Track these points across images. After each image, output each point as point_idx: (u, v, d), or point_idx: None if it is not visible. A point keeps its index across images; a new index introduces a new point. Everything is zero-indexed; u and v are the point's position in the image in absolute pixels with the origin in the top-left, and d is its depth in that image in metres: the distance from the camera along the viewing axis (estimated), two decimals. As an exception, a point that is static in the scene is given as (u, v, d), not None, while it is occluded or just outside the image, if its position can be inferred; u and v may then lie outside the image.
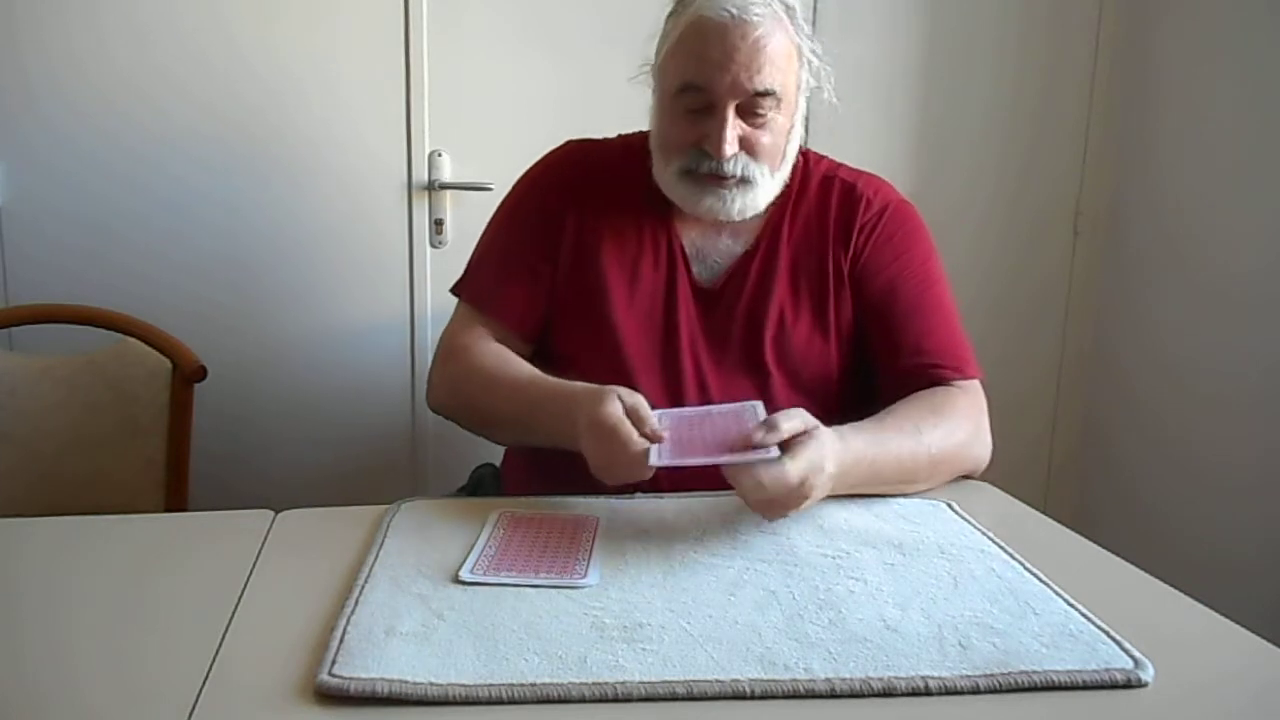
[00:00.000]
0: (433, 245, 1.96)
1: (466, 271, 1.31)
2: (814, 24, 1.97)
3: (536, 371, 1.16)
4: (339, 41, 1.87)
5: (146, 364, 1.53)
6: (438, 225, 1.95)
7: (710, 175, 1.15)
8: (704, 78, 1.12)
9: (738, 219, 1.19)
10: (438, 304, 1.96)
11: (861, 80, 2.03)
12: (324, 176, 1.90)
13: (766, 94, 1.12)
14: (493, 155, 1.92)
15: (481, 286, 1.27)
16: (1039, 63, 2.09)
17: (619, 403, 0.99)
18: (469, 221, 1.91)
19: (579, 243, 1.23)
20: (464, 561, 0.89)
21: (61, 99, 1.80)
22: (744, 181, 1.16)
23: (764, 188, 1.17)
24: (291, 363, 1.95)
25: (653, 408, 1.11)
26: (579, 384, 1.07)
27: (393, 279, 1.96)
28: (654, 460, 0.94)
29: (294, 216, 1.91)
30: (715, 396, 1.18)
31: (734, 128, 1.13)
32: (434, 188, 1.94)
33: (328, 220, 1.92)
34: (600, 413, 0.98)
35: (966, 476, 1.16)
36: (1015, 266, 2.16)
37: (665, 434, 0.97)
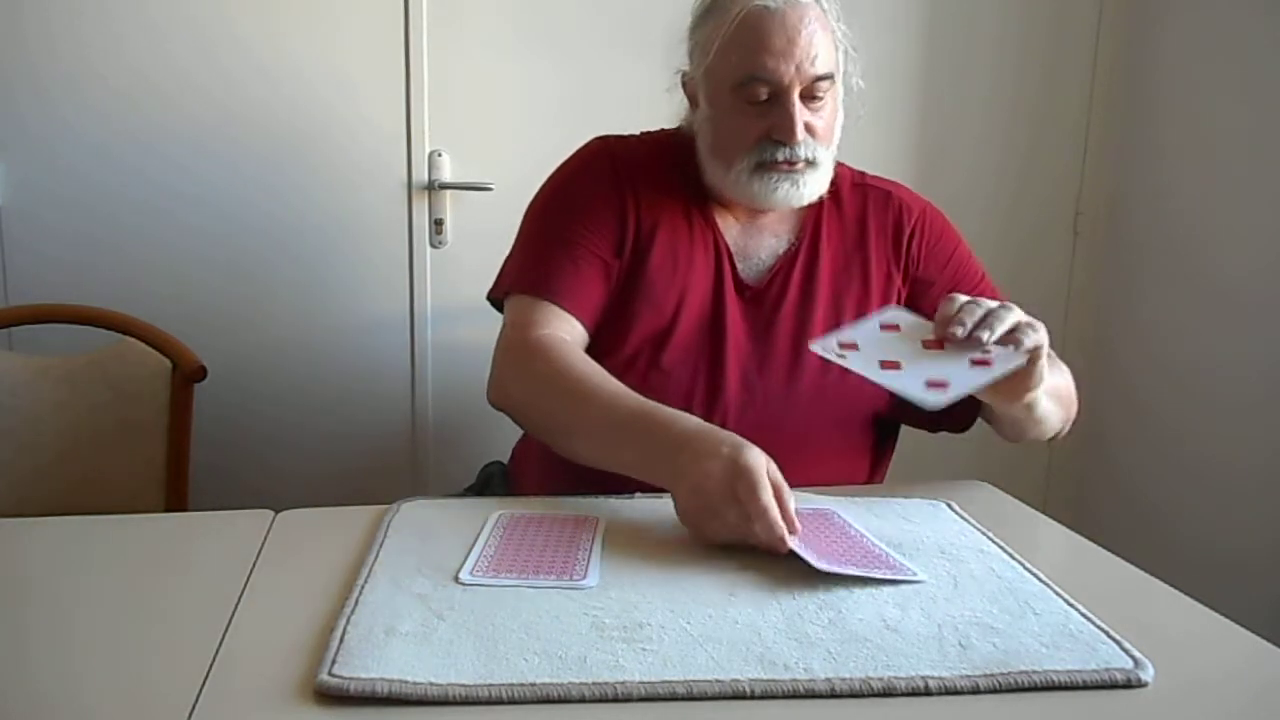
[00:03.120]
0: (433, 245, 1.96)
1: (517, 269, 1.22)
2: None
3: (632, 392, 1.05)
4: (339, 41, 1.87)
5: (146, 364, 1.53)
6: (438, 225, 1.95)
7: (785, 162, 1.15)
8: (769, 69, 1.12)
9: (807, 203, 1.20)
10: (438, 304, 1.96)
11: (862, 79, 2.02)
12: (324, 176, 1.90)
13: (825, 77, 1.15)
14: (493, 155, 1.92)
15: (549, 277, 1.17)
16: (1039, 63, 2.09)
17: (769, 462, 0.91)
18: (469, 221, 1.92)
19: (638, 236, 1.20)
20: (464, 563, 0.89)
21: (61, 100, 1.80)
22: (811, 164, 1.17)
23: (826, 168, 1.19)
24: (291, 363, 1.95)
25: (694, 402, 1.14)
26: (692, 419, 0.98)
27: (393, 279, 1.96)
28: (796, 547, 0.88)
29: (294, 216, 1.91)
30: (758, 396, 1.19)
31: (801, 113, 1.14)
32: (434, 188, 1.94)
33: (328, 220, 1.92)
34: (751, 464, 0.89)
35: (1054, 438, 1.21)
36: (1015, 266, 2.15)
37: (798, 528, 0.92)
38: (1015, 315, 0.98)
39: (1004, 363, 0.96)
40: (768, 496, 0.88)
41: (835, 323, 1.20)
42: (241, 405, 1.93)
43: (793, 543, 0.88)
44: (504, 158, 1.90)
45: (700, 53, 1.18)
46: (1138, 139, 2.09)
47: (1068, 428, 1.21)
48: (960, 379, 0.94)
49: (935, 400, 0.93)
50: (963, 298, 0.99)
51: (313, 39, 1.86)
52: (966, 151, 2.10)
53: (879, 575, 0.86)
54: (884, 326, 1.01)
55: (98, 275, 1.83)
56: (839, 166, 1.28)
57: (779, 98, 1.13)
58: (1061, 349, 2.17)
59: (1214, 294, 1.89)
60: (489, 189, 1.88)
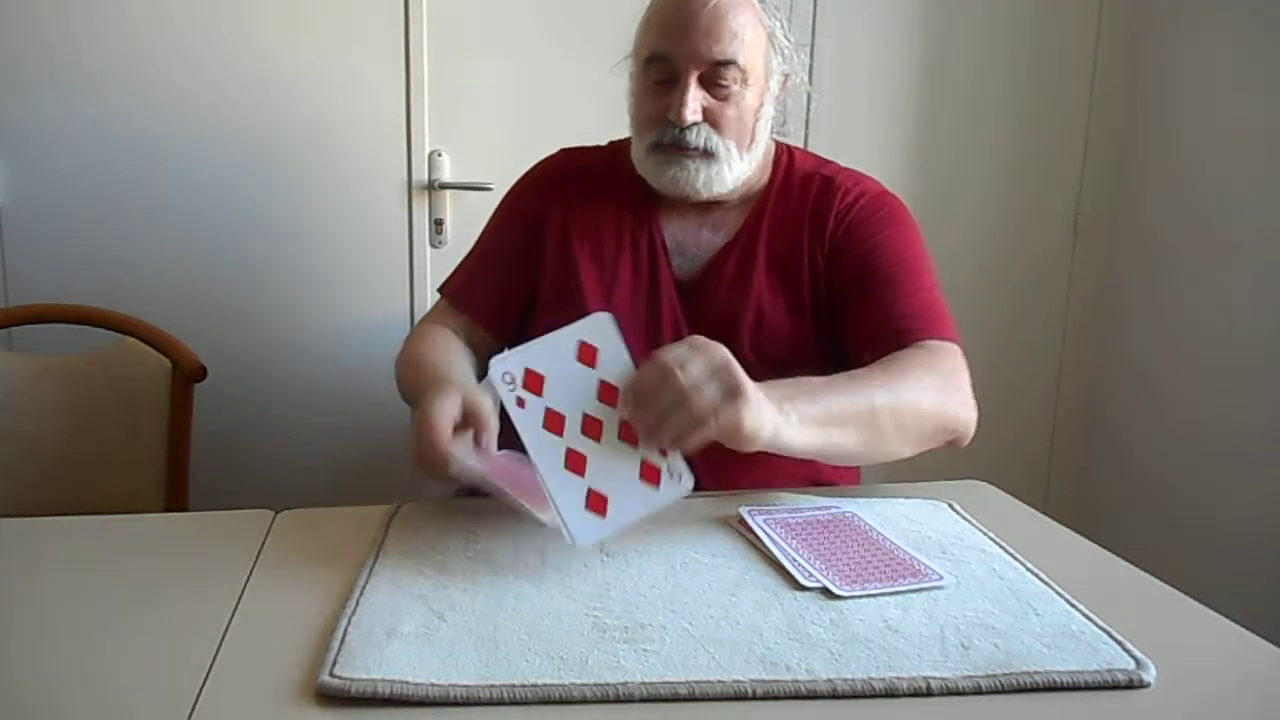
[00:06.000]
0: (433, 245, 1.96)
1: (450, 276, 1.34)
2: (814, 23, 1.97)
3: (451, 362, 1.16)
4: (339, 42, 1.86)
5: (146, 364, 1.53)
6: (438, 225, 1.95)
7: (674, 145, 1.16)
8: (666, 47, 1.14)
9: (704, 193, 1.18)
10: (438, 304, 1.96)
11: (861, 80, 2.03)
12: (324, 176, 1.90)
13: (728, 63, 1.13)
14: (493, 155, 1.92)
15: (456, 283, 1.31)
16: (1039, 63, 2.09)
17: (455, 401, 0.96)
18: (469, 221, 1.91)
19: (562, 243, 1.24)
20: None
21: (62, 99, 1.80)
22: (708, 154, 1.16)
23: (730, 164, 1.17)
24: (291, 362, 1.95)
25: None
26: (454, 377, 1.06)
27: (393, 279, 1.96)
28: (461, 462, 0.93)
29: (294, 216, 1.91)
30: None
31: (695, 96, 1.14)
32: (434, 188, 1.94)
33: (328, 220, 1.92)
34: (428, 405, 0.96)
35: (951, 444, 1.09)
36: (1015, 267, 2.16)
37: (498, 461, 0.96)
38: (690, 408, 0.85)
39: (670, 490, 0.88)
40: (429, 446, 0.93)
41: (764, 313, 1.19)
42: (241, 405, 1.93)
43: (814, 565, 0.88)
44: (504, 158, 1.88)
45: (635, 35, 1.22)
46: (1138, 139, 2.09)
47: (963, 434, 1.10)
48: (622, 503, 0.87)
49: (583, 536, 0.87)
50: (656, 368, 0.86)
51: (313, 39, 1.85)
52: (966, 151, 2.10)
53: (904, 588, 0.85)
54: (582, 346, 0.89)
55: (98, 275, 1.83)
56: (801, 159, 1.28)
57: (677, 78, 1.14)
58: (1062, 349, 2.20)
59: (1214, 294, 1.89)
60: (489, 189, 1.88)
